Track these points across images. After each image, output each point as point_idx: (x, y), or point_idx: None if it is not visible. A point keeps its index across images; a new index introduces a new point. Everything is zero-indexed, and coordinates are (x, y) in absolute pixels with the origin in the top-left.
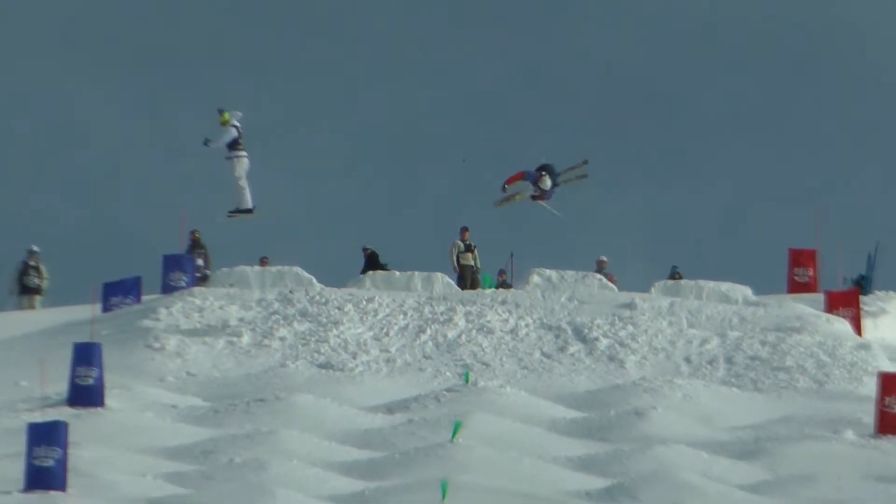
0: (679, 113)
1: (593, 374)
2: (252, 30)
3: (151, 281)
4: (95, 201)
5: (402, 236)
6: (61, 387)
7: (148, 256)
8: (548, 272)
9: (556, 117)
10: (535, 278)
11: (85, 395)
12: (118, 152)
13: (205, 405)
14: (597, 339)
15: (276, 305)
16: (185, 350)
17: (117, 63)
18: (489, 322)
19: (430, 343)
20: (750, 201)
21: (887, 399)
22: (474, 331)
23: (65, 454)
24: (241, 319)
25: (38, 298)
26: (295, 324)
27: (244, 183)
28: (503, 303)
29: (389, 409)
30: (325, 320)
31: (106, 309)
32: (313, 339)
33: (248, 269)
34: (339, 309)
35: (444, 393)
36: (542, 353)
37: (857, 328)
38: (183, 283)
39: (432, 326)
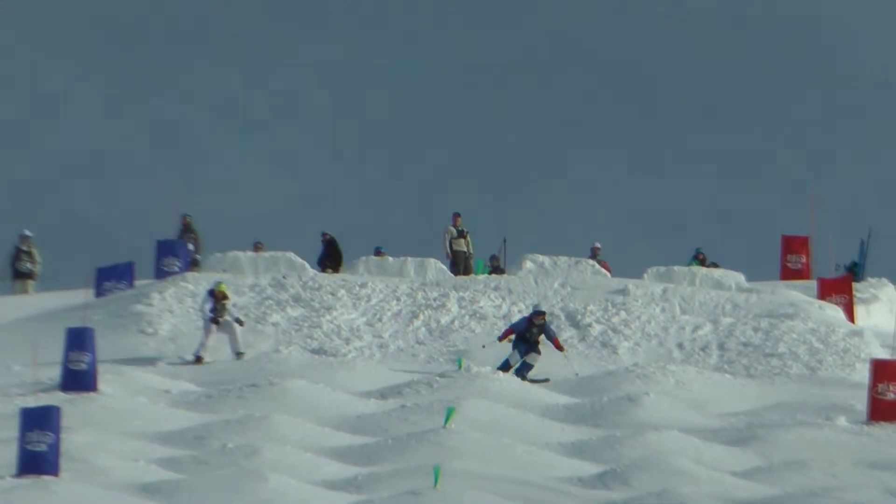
0: (672, 100)
1: (586, 361)
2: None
3: (145, 266)
4: (90, 186)
5: (395, 222)
6: (54, 371)
7: (141, 241)
8: (541, 258)
9: (546, 105)
10: (528, 264)
11: (78, 379)
12: (110, 137)
13: (198, 390)
14: (590, 325)
15: (270, 291)
16: (178, 335)
17: (109, 49)
18: (482, 308)
19: (424, 329)
20: (743, 188)
21: (880, 386)
22: (467, 316)
23: (58, 439)
24: (234, 305)
25: (30, 283)
26: (288, 309)
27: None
28: (496, 288)
29: (382, 394)
30: (318, 306)
31: (99, 294)
32: (306, 324)
33: (241, 254)
34: (332, 294)
35: (437, 378)
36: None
37: (850, 315)
38: (176, 269)
39: (425, 312)
